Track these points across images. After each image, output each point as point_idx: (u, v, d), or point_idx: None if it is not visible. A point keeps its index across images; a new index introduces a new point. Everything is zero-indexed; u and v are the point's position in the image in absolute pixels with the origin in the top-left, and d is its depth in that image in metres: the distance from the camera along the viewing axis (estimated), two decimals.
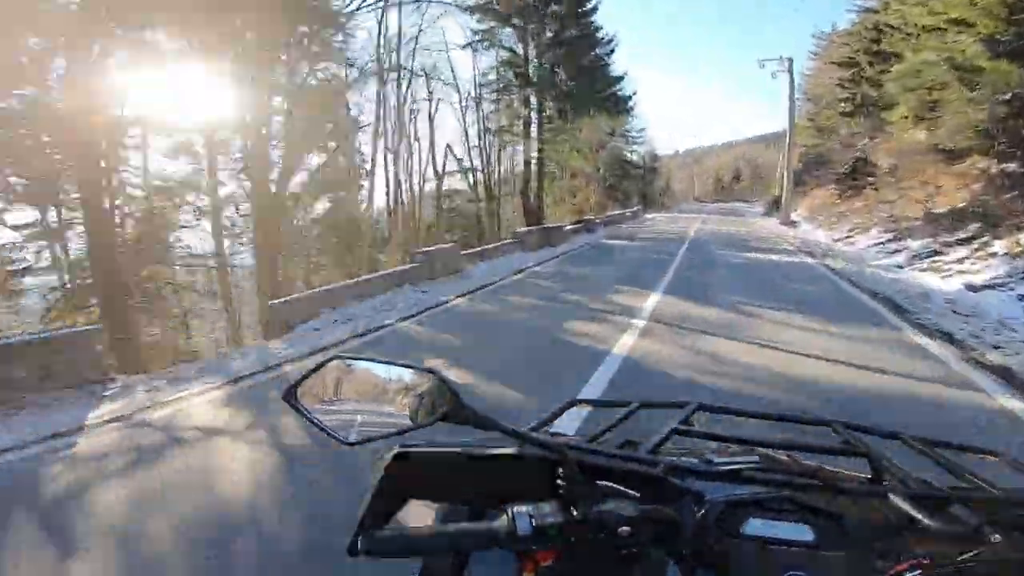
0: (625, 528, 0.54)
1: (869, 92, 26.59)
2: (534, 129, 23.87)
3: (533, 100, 23.62)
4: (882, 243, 13.72)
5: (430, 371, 0.58)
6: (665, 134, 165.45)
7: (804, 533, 0.58)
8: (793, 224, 23.15)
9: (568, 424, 1.73)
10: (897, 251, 12.20)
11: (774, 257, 12.53)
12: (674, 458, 0.67)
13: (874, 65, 26.75)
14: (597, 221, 23.63)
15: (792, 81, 23.49)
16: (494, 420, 0.55)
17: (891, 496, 0.64)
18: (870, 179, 21.38)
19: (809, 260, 12.03)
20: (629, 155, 46.59)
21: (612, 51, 23.35)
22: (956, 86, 13.16)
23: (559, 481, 0.57)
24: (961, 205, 13.90)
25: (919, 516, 0.60)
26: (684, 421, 0.82)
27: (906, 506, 0.61)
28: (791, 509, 0.60)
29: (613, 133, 37.55)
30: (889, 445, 0.82)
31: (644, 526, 0.55)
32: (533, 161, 24.31)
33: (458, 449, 0.61)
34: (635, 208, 34.21)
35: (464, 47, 23.56)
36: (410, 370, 0.61)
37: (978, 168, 15.22)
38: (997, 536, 0.57)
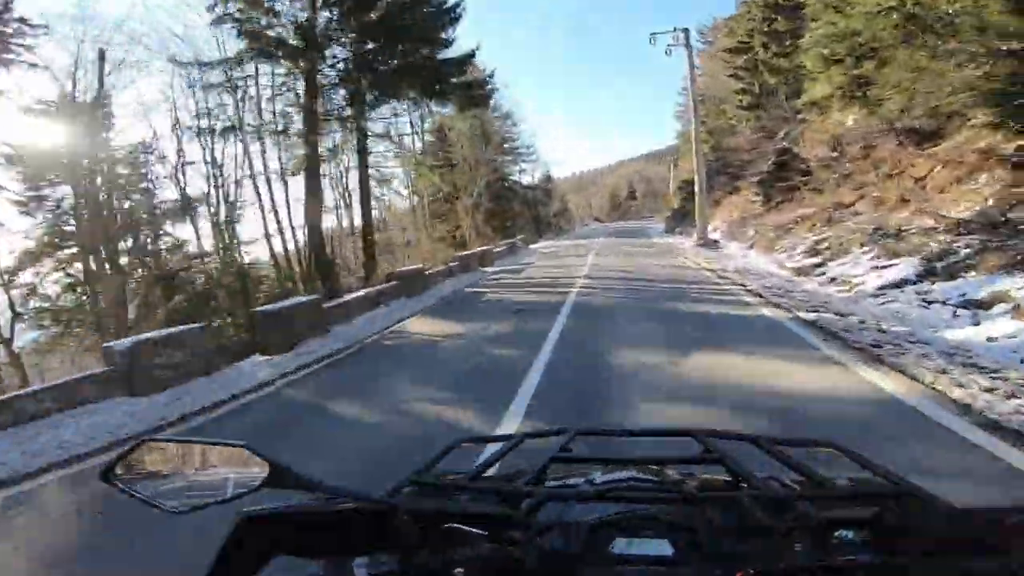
0: (459, 570, 0.56)
1: (768, 79, 22.56)
2: (353, 139, 15.64)
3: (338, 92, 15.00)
4: (905, 280, 7.38)
5: (242, 445, 0.63)
6: (560, 156, 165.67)
7: (665, 548, 0.61)
8: (715, 245, 17.28)
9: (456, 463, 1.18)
10: (959, 303, 5.74)
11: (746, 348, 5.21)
12: (548, 487, 0.75)
13: (768, 47, 22.87)
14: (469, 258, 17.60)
15: (691, 54, 17.99)
16: (317, 481, 0.59)
17: (743, 501, 0.65)
18: (803, 178, 16.18)
19: (820, 346, 5.16)
20: (516, 175, 41.72)
21: (455, 18, 15.18)
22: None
23: (399, 531, 0.59)
24: (989, 204, 8.30)
25: (767, 519, 0.61)
26: (563, 448, 0.89)
27: (756, 510, 0.63)
28: (652, 526, 0.63)
29: (487, 141, 31.38)
30: (745, 448, 0.85)
31: (479, 566, 0.57)
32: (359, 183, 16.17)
33: (302, 509, 0.65)
34: (512, 241, 27.59)
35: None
36: (224, 446, 0.66)
37: (980, 148, 9.21)
38: (842, 533, 0.59)
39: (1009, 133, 8.12)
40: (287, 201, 17.42)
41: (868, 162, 13.14)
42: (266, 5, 12.12)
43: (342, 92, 14.03)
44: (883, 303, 6.84)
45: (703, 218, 18.18)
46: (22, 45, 12.19)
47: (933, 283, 6.97)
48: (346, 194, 21.28)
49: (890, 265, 8.19)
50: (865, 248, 9.73)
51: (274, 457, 0.59)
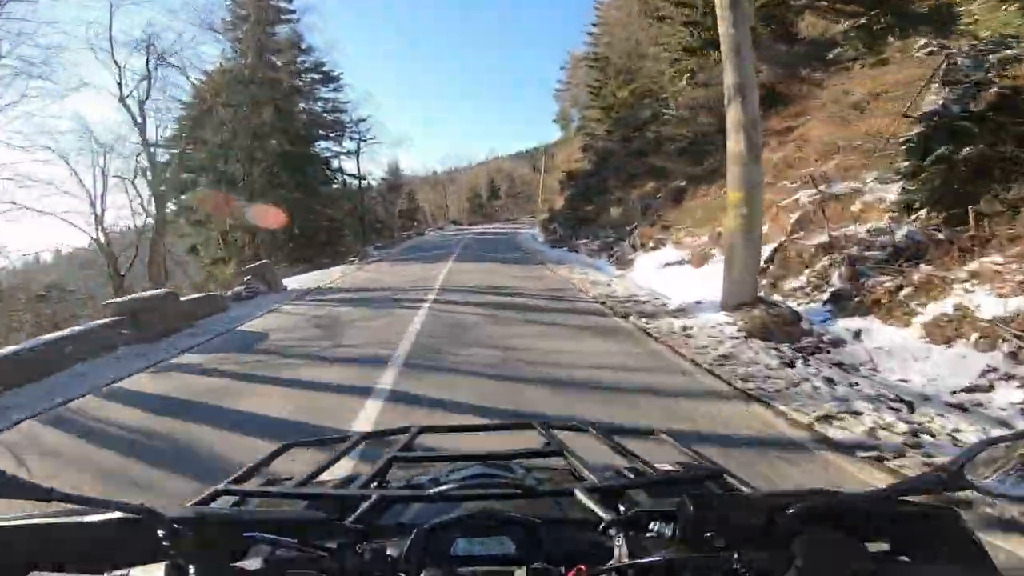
0: None
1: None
2: None
3: None
4: None
5: None
6: (419, 155, 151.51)
7: (507, 546, 0.60)
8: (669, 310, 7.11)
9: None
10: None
11: None
12: (382, 487, 0.74)
13: None
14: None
15: None
16: (48, 488, 0.53)
17: (577, 494, 0.66)
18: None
19: None
20: (340, 159, 29.37)
21: None
22: None
23: (163, 543, 0.53)
24: None
25: (599, 510, 0.62)
26: (406, 447, 0.89)
27: (590, 502, 0.64)
28: (492, 524, 0.61)
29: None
30: (580, 439, 0.91)
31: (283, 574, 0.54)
32: None
33: (53, 520, 0.60)
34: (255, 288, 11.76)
35: None
36: None
37: None
38: (619, 541, 0.57)
39: None
40: None
41: None
42: None
43: None
44: None
45: (747, 238, 6.16)
46: None
47: None
48: None
49: None
50: None
51: None
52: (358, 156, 28.95)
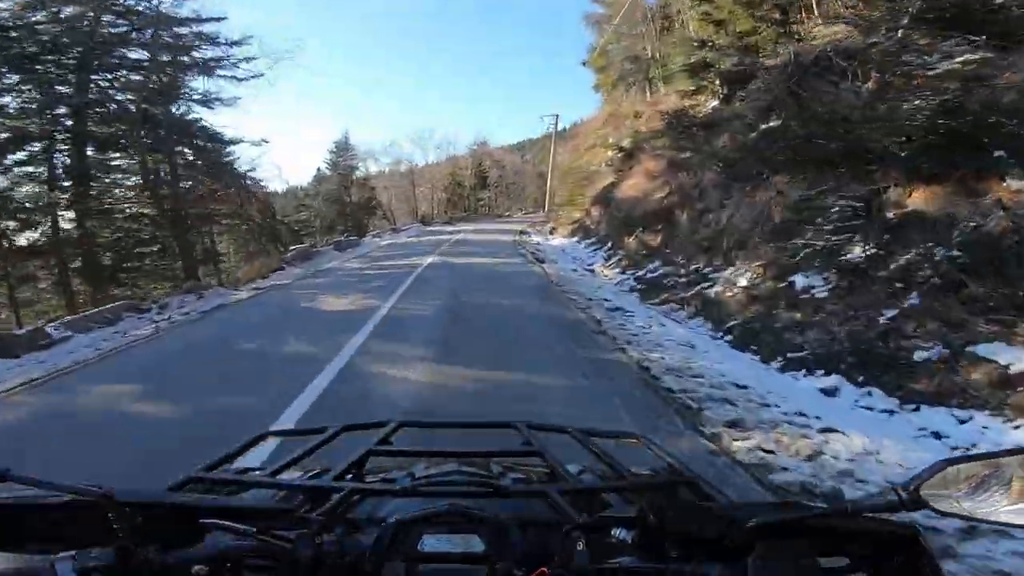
0: (200, 568, 0.52)
1: None
2: None
3: None
4: None
5: None
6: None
7: (475, 544, 0.59)
8: None
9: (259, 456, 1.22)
10: None
11: None
12: (356, 481, 0.73)
13: None
14: None
15: None
16: (5, 468, 0.54)
17: (551, 495, 0.67)
18: None
19: None
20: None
21: None
22: None
23: (114, 525, 0.53)
24: None
25: (572, 513, 0.63)
26: (383, 440, 0.88)
27: (564, 504, 0.65)
28: (462, 521, 0.60)
29: None
30: (560, 440, 0.91)
31: (236, 562, 0.54)
32: None
33: (6, 501, 0.60)
34: None
35: None
36: None
37: None
38: (579, 545, 0.57)
39: None
40: None
41: None
42: None
43: None
44: None
45: None
46: None
47: None
48: None
49: None
50: None
51: None
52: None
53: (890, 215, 5.24)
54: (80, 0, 12.31)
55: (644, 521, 0.57)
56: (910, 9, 5.68)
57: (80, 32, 12.39)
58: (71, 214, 12.43)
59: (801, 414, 3.58)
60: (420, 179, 47.82)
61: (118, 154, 13.90)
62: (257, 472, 0.81)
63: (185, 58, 14.69)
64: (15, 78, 11.62)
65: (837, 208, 5.60)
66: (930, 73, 5.25)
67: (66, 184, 12.57)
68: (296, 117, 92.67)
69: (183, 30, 14.60)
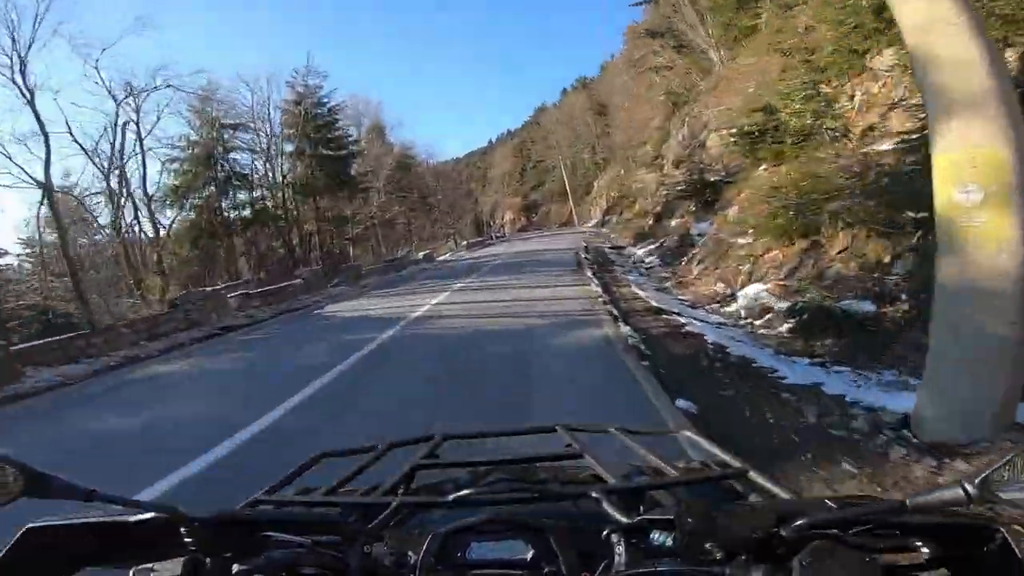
0: None
1: None
2: None
3: None
4: None
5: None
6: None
7: (522, 551, 0.60)
8: None
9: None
10: None
11: None
12: (405, 495, 0.76)
13: None
14: None
15: None
16: (91, 489, 0.57)
17: (594, 496, 0.66)
18: None
19: None
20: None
21: None
22: None
23: (185, 540, 0.57)
24: None
25: (616, 513, 0.62)
26: (429, 455, 0.90)
27: (607, 505, 0.64)
28: (508, 528, 0.62)
29: None
30: (603, 440, 0.93)
31: (284, 574, 0.56)
32: None
33: (91, 520, 0.64)
34: None
35: None
36: None
37: None
38: (619, 549, 0.58)
39: None
40: None
41: None
42: None
43: None
44: None
45: None
46: None
47: None
48: None
49: None
50: None
51: (32, 467, 0.56)
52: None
53: None
54: None
55: (683, 523, 0.55)
56: None
57: None
58: None
59: None
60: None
61: None
62: (314, 492, 0.83)
63: None
64: None
65: None
66: None
67: None
68: None
69: None
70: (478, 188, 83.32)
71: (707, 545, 0.54)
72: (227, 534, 0.59)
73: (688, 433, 1.05)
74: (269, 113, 24.08)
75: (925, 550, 0.56)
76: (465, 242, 32.62)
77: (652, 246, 15.32)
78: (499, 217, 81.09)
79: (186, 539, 0.57)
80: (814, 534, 0.52)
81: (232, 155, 23.04)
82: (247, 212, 23.23)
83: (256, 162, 23.87)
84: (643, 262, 13.63)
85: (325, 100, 25.62)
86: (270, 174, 23.99)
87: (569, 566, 0.58)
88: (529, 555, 0.60)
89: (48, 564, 0.60)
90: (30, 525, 0.61)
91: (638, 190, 23.71)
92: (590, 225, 44.31)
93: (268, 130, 23.81)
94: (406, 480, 0.80)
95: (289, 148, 24.85)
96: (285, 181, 24.07)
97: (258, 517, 0.66)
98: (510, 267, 15.63)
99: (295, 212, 24.44)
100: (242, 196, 22.94)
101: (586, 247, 18.72)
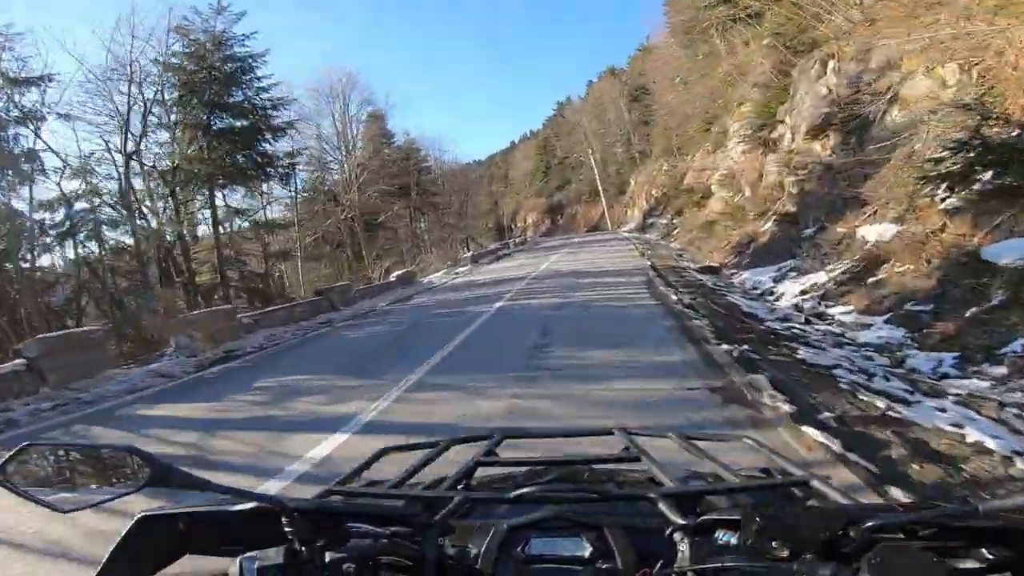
0: (350, 565, 0.59)
1: None
2: None
3: None
4: None
5: (128, 449, 0.61)
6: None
7: (580, 548, 0.62)
8: None
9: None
10: None
11: None
12: (473, 489, 0.81)
13: None
14: None
15: None
16: (207, 481, 0.60)
17: (653, 498, 0.67)
18: None
19: None
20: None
21: None
22: None
23: (285, 529, 0.61)
24: None
25: (673, 516, 0.63)
26: (489, 452, 0.94)
27: (665, 507, 0.65)
28: (568, 526, 0.64)
29: None
30: (661, 444, 0.94)
31: (375, 562, 0.60)
32: None
33: (198, 509, 0.69)
34: None
35: None
36: (110, 450, 0.68)
37: None
38: (683, 547, 0.59)
39: None
40: None
41: None
42: None
43: None
44: None
45: None
46: None
47: None
48: None
49: None
50: None
51: (158, 458, 0.59)
52: None
53: None
54: None
55: (750, 522, 0.57)
56: None
57: None
58: None
59: None
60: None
61: None
62: (380, 485, 0.85)
63: None
64: None
65: None
66: None
67: None
68: None
69: None
70: (500, 189, 75.92)
71: (773, 543, 0.55)
72: (320, 524, 0.62)
73: (750, 439, 1.01)
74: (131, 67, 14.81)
75: (990, 556, 0.55)
76: (469, 253, 24.94)
77: (810, 276, 7.85)
78: (521, 220, 74.77)
79: (286, 528, 0.60)
80: (882, 536, 0.53)
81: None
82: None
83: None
84: (827, 320, 6.15)
85: (240, 47, 16.90)
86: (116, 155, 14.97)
87: (626, 564, 0.59)
88: (587, 552, 0.61)
89: (159, 551, 0.64)
90: (144, 513, 0.65)
91: (722, 181, 16.17)
92: (627, 229, 37.05)
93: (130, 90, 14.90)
94: (467, 475, 0.82)
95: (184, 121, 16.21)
96: (139, 164, 14.54)
97: (346, 509, 0.69)
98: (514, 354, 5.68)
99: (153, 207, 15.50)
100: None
101: (659, 274, 11.20)
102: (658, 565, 0.58)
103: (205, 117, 15.80)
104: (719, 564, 0.55)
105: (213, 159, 15.68)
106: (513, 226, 74.32)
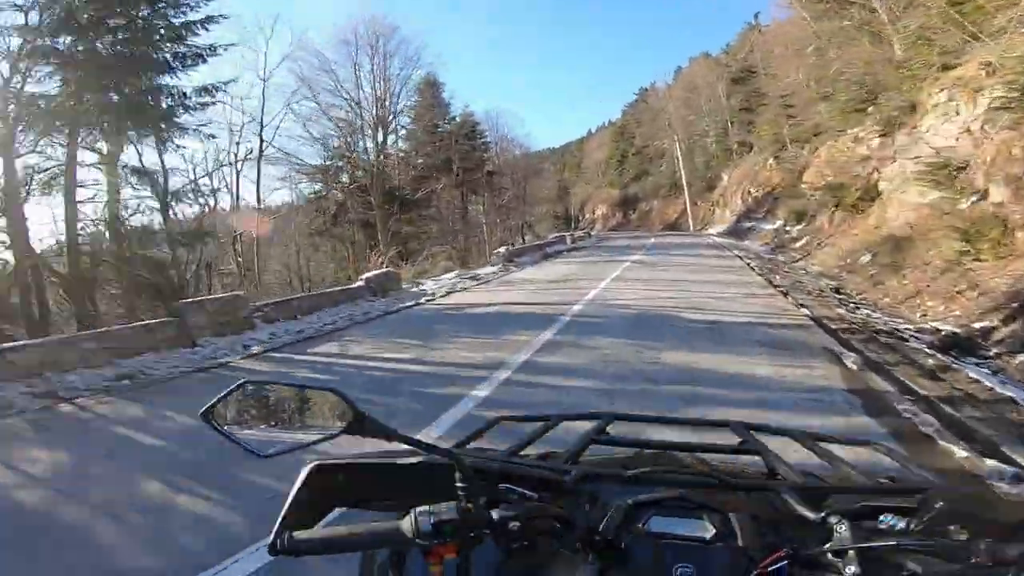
0: (515, 524, 0.59)
1: None
2: None
3: None
4: None
5: (331, 390, 0.65)
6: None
7: (700, 529, 0.62)
8: None
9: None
10: None
11: None
12: (584, 465, 0.78)
13: None
14: None
15: None
16: (394, 430, 0.62)
17: (780, 491, 0.67)
18: None
19: None
20: None
21: None
22: None
23: (457, 484, 0.62)
24: None
25: (802, 509, 0.62)
26: (600, 430, 0.92)
27: (792, 500, 0.64)
28: (688, 507, 0.64)
29: None
30: (779, 441, 0.87)
31: (534, 522, 0.61)
32: None
33: (369, 460, 0.71)
34: None
35: None
36: (314, 390, 0.71)
37: None
38: (841, 527, 0.58)
39: None
40: None
41: None
42: None
43: None
44: None
45: None
46: None
47: None
48: None
49: None
50: None
51: (356, 404, 0.61)
52: None
53: None
54: None
55: (928, 507, 0.56)
56: None
57: None
58: None
59: None
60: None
61: None
62: (491, 452, 0.84)
63: None
64: None
65: None
66: None
67: None
68: None
69: None
70: (572, 178, 70.19)
71: (951, 527, 0.55)
72: (490, 482, 0.64)
73: (879, 445, 0.96)
74: None
75: None
76: (503, 248, 18.88)
77: None
78: (589, 211, 68.76)
79: (459, 484, 0.61)
80: None
81: None
82: None
83: None
84: None
85: None
86: None
87: (753, 547, 0.59)
88: (710, 534, 0.61)
89: (325, 500, 0.66)
90: (317, 462, 0.66)
91: (926, 174, 9.53)
92: (716, 232, 30.12)
93: None
94: (579, 452, 0.82)
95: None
96: None
97: (510, 470, 0.70)
98: None
99: None
100: None
101: (868, 362, 5.15)
102: (804, 548, 0.57)
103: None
104: (892, 544, 0.54)
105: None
106: (581, 217, 67.00)
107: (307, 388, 0.71)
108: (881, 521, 0.59)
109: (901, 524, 0.57)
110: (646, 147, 55.26)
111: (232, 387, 0.66)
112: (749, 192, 31.43)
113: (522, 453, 0.84)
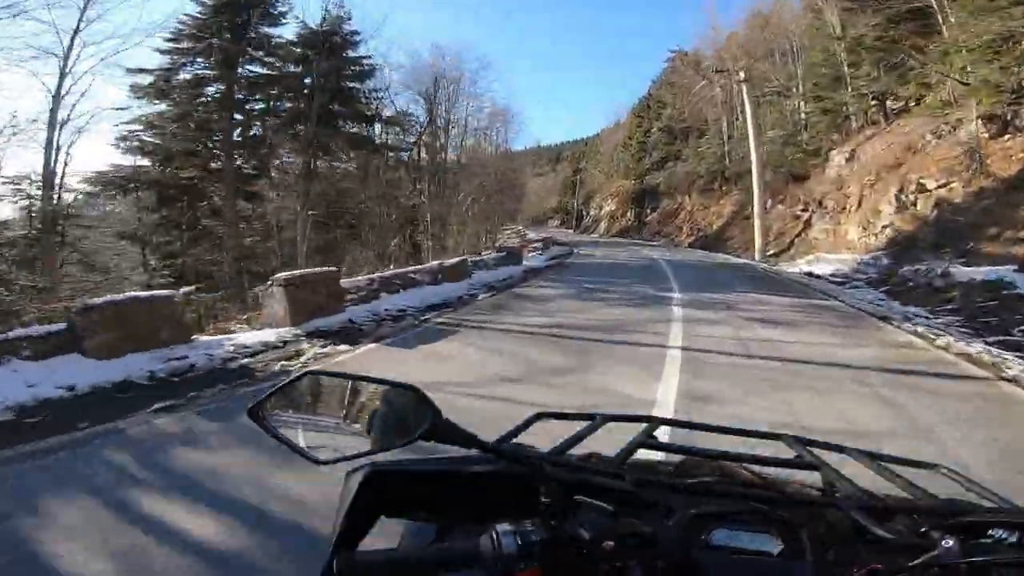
0: (609, 543, 0.55)
1: None
2: None
3: None
4: None
5: (410, 388, 0.58)
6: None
7: (767, 543, 0.60)
8: None
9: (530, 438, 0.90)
10: None
11: None
12: (640, 472, 0.71)
13: None
14: None
15: None
16: (475, 437, 0.58)
17: (846, 508, 0.66)
18: None
19: None
20: None
21: None
22: None
23: (542, 498, 0.57)
24: None
25: (868, 526, 0.61)
26: (648, 434, 0.86)
27: (857, 516, 0.63)
28: (752, 520, 0.61)
29: None
30: (836, 458, 0.84)
31: (625, 540, 0.56)
32: None
33: (433, 467, 0.63)
34: None
35: None
36: (388, 386, 0.61)
37: None
38: (948, 542, 0.56)
39: None
40: None
41: None
42: None
43: None
44: None
45: None
46: None
47: None
48: None
49: None
50: None
51: (435, 404, 0.55)
52: None
53: None
54: None
55: None
56: None
57: None
58: None
59: None
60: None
61: None
62: (536, 450, 0.75)
63: None
64: None
65: None
66: None
67: None
68: None
69: None
70: (590, 167, 61.74)
71: None
72: (568, 493, 0.59)
73: (945, 468, 0.88)
74: None
75: None
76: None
77: None
78: (596, 206, 53.07)
79: (544, 499, 0.56)
80: None
81: None
82: None
83: None
84: None
85: None
86: None
87: (820, 564, 0.57)
88: (777, 550, 0.59)
89: (377, 509, 0.60)
90: (374, 467, 0.60)
91: None
92: (838, 279, 13.17)
93: None
94: (625, 455, 0.78)
95: None
96: None
97: (583, 480, 0.64)
98: None
99: None
100: None
101: None
102: (892, 565, 0.55)
103: None
104: (1014, 559, 0.52)
105: None
106: (585, 214, 57.69)
107: (381, 383, 0.62)
108: (990, 535, 0.57)
109: (1013, 538, 0.56)
110: (681, 119, 37.99)
111: (293, 378, 0.60)
112: (915, 191, 14.68)
113: (565, 454, 0.75)
